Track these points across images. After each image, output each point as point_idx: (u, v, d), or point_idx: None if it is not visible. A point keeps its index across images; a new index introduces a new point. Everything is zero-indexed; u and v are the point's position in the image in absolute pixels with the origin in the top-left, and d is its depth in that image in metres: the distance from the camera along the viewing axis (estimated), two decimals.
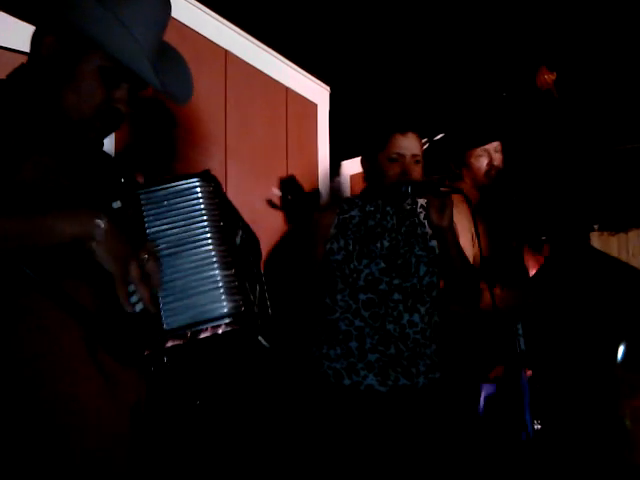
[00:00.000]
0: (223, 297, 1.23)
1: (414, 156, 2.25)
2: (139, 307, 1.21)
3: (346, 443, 2.20)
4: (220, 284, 1.23)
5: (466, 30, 3.71)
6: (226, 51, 3.04)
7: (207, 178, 1.31)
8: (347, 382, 2.22)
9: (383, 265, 2.27)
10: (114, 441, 1.24)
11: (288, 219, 3.11)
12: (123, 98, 1.31)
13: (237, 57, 3.08)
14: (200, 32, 2.93)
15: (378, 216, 2.33)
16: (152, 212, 1.26)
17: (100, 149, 1.43)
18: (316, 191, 3.42)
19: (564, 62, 3.09)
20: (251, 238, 1.44)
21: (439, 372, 2.31)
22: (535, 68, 2.73)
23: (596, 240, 4.79)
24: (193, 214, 1.26)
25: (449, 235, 2.22)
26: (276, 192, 3.11)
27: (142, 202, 1.26)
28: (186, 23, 2.88)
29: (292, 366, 2.51)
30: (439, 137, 2.93)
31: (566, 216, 2.84)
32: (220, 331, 1.22)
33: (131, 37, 1.23)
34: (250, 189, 3.04)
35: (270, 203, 3.11)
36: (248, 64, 3.13)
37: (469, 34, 3.73)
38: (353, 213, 2.34)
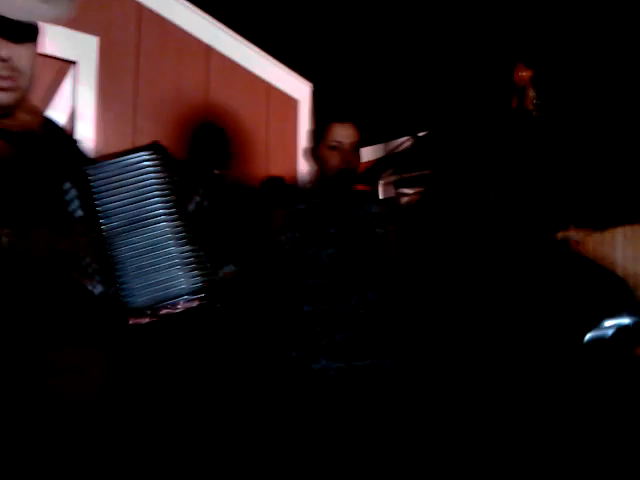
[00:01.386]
0: (180, 274, 1.23)
1: (352, 144, 2.35)
2: (98, 289, 1.21)
3: (318, 427, 2.23)
4: (176, 260, 1.23)
5: (445, 27, 3.75)
6: (208, 46, 3.06)
7: (157, 150, 1.28)
8: (316, 367, 2.26)
9: (331, 250, 2.33)
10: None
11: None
12: None
13: (219, 52, 3.10)
14: (183, 27, 2.95)
15: (324, 206, 2.39)
16: (102, 188, 1.24)
17: (51, 127, 1.40)
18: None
19: (544, 59, 3.13)
20: (214, 203, 1.40)
21: (392, 355, 2.36)
22: (512, 65, 2.76)
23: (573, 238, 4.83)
24: (144, 189, 1.24)
25: (400, 208, 2.33)
26: None
27: (90, 178, 1.24)
28: (169, 18, 2.89)
29: (257, 353, 2.53)
30: (422, 134, 2.96)
31: (539, 214, 2.87)
32: (179, 308, 1.23)
33: None
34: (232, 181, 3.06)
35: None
36: (230, 59, 3.15)
37: (448, 31, 3.77)
38: (300, 206, 2.39)
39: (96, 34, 2.53)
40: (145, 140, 2.68)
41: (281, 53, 3.38)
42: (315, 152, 2.44)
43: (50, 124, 1.46)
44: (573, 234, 2.83)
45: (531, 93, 2.71)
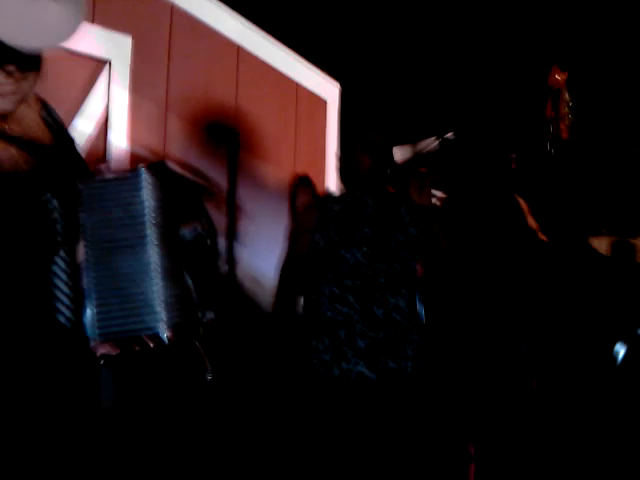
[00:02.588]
0: (157, 309, 1.14)
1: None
2: (64, 318, 1.14)
3: (339, 433, 2.22)
4: (155, 295, 1.14)
5: (478, 28, 3.71)
6: (238, 46, 3.06)
7: (158, 170, 1.19)
8: (337, 372, 2.24)
9: (366, 250, 2.30)
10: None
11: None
12: None
13: (249, 52, 3.10)
14: (213, 27, 2.95)
15: (358, 206, 2.37)
16: (89, 206, 1.15)
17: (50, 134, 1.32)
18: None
19: (576, 62, 3.08)
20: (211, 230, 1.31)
21: (424, 359, 2.34)
22: (547, 67, 2.73)
23: (605, 245, 4.77)
24: (133, 212, 1.14)
25: (430, 214, 2.33)
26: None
27: (80, 194, 1.15)
28: (200, 18, 2.90)
29: (282, 362, 2.53)
30: (449, 135, 2.95)
31: (567, 217, 2.84)
32: (152, 344, 1.15)
33: None
34: (262, 183, 3.06)
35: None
36: (259, 60, 3.15)
37: (481, 32, 3.73)
38: (333, 206, 2.39)
39: (129, 33, 2.53)
40: (176, 140, 2.69)
41: (310, 53, 3.37)
42: (348, 155, 2.44)
43: (49, 116, 1.36)
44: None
45: (566, 96, 2.68)
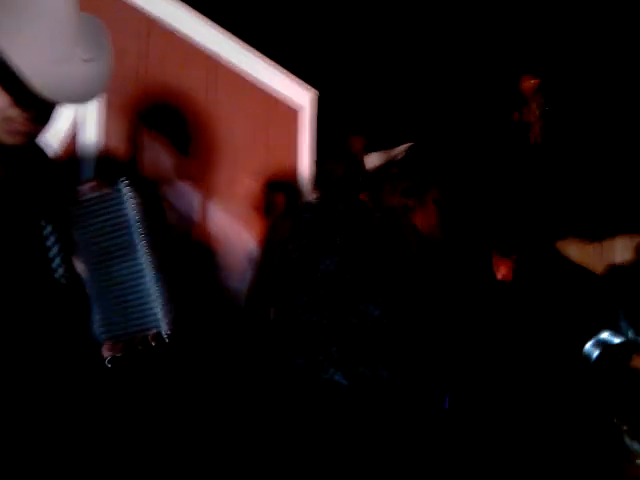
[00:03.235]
0: (155, 310, 1.23)
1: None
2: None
3: (312, 440, 2.23)
4: (151, 296, 1.23)
5: (451, 37, 3.75)
6: (212, 52, 3.06)
7: (133, 181, 1.28)
8: (312, 380, 2.26)
9: (339, 259, 2.33)
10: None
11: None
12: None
13: (223, 58, 3.10)
14: (187, 34, 2.95)
15: (330, 214, 2.40)
16: (79, 225, 1.26)
17: (37, 154, 1.39)
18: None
19: (549, 70, 3.13)
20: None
21: (399, 366, 2.36)
22: (519, 75, 2.78)
23: (573, 248, 4.83)
24: (119, 224, 1.24)
25: (402, 220, 2.34)
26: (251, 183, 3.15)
27: (71, 212, 1.26)
28: (172, 25, 2.89)
29: (257, 368, 2.54)
30: (417, 143, 2.98)
31: (534, 222, 2.88)
32: (153, 343, 1.24)
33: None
34: (232, 189, 3.06)
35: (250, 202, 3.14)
36: (232, 66, 3.15)
37: (454, 40, 3.77)
38: (306, 215, 2.40)
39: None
40: (146, 147, 2.68)
41: (285, 60, 3.38)
42: (322, 164, 2.47)
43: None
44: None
45: (536, 102, 2.72)
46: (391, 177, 2.63)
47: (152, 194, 1.36)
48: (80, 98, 1.29)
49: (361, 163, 2.55)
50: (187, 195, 2.65)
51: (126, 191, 1.25)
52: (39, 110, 1.25)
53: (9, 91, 1.21)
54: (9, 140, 1.26)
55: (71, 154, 2.41)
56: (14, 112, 1.23)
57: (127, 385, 1.95)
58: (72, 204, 1.27)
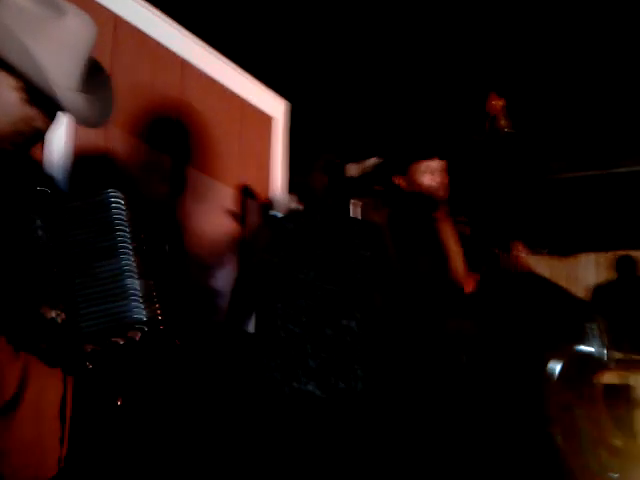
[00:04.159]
0: (136, 305, 1.28)
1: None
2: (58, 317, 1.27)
3: (288, 451, 2.21)
4: (134, 292, 1.29)
5: (422, 53, 3.80)
6: (183, 60, 3.05)
7: (118, 189, 1.35)
8: (287, 391, 2.24)
9: (318, 271, 2.31)
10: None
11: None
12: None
13: (194, 66, 3.09)
14: (158, 40, 2.94)
15: (312, 225, 2.39)
16: (70, 223, 1.32)
17: (24, 158, 1.45)
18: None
19: (514, 88, 3.17)
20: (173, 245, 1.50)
21: (375, 379, 2.35)
22: (484, 94, 2.80)
23: (545, 264, 4.91)
24: (106, 226, 1.31)
25: (383, 233, 2.31)
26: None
27: (62, 215, 1.32)
28: (145, 30, 2.88)
29: (233, 378, 2.52)
30: (382, 157, 2.98)
31: (501, 237, 2.91)
32: (136, 337, 1.30)
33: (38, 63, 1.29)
34: (204, 197, 3.05)
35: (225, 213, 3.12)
36: (205, 74, 3.14)
37: (425, 56, 3.82)
38: (287, 225, 2.40)
39: None
40: (119, 153, 2.66)
41: (258, 70, 3.38)
42: (305, 175, 2.46)
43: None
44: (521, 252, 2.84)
45: (503, 121, 2.75)
46: (374, 189, 2.64)
47: (134, 200, 1.39)
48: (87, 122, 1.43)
49: (343, 174, 2.56)
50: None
51: (112, 196, 1.32)
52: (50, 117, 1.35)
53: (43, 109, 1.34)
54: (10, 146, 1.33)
55: (41, 157, 2.38)
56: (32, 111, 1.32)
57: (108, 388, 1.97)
58: (57, 210, 1.33)
